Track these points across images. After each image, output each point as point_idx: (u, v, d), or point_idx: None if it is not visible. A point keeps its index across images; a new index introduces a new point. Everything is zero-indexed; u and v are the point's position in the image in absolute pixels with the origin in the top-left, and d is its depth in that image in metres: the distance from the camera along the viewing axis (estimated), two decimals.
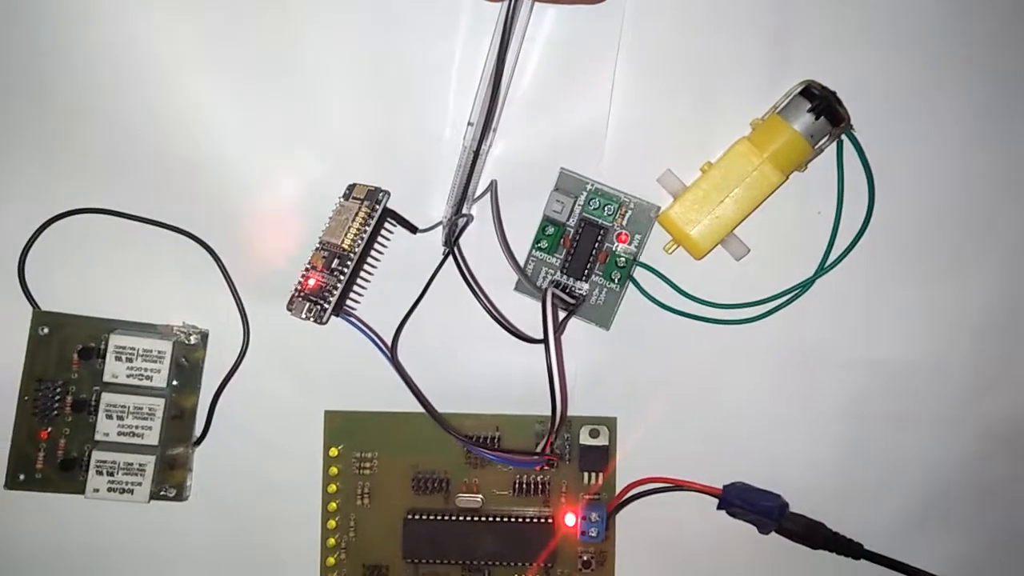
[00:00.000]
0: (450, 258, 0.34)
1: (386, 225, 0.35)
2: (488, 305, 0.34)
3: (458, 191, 0.34)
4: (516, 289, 0.36)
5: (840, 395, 0.37)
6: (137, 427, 0.35)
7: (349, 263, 0.34)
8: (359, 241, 0.34)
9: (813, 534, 0.36)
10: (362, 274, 0.35)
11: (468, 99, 0.34)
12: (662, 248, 0.35)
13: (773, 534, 0.36)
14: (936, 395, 0.37)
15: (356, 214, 0.34)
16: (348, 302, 0.35)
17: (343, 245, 0.34)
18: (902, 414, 0.37)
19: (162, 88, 0.35)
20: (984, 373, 0.37)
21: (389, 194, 0.35)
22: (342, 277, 0.34)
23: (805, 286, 0.36)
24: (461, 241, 0.35)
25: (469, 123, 0.33)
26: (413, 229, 0.35)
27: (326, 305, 0.34)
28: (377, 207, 0.34)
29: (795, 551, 0.36)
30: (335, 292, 0.34)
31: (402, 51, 0.35)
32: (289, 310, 0.34)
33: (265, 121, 0.36)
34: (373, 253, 0.35)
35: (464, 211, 0.34)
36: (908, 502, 0.37)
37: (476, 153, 0.33)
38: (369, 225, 0.34)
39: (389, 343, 0.36)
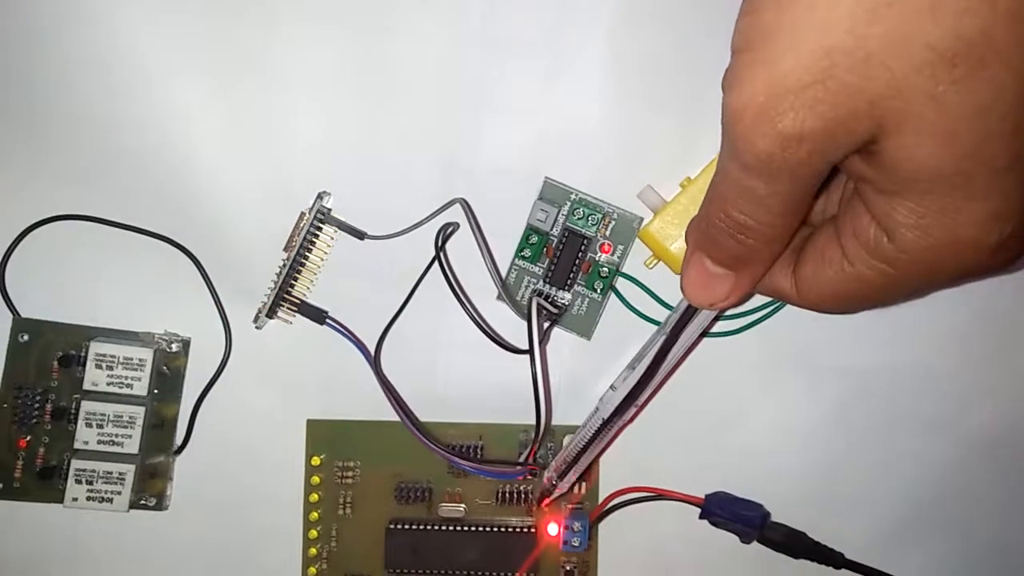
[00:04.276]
0: (435, 266, 0.34)
1: (324, 229, 0.35)
2: (473, 314, 0.34)
3: (572, 456, 0.33)
4: (498, 299, 0.36)
5: (821, 405, 0.37)
6: (117, 436, 0.35)
7: (283, 267, 0.35)
8: (292, 244, 0.35)
9: (795, 543, 0.36)
10: (300, 276, 0.35)
11: (457, 108, 0.35)
12: (643, 263, 0.35)
13: (755, 543, 0.36)
14: (918, 404, 0.37)
15: (301, 218, 0.35)
16: (286, 305, 0.35)
17: (285, 249, 0.35)
18: (884, 423, 0.37)
19: (145, 94, 0.35)
20: (966, 382, 0.37)
21: (321, 196, 0.35)
22: (275, 281, 0.35)
23: None
24: (447, 248, 0.35)
25: (612, 387, 0.32)
26: (360, 235, 0.35)
27: (261, 309, 0.35)
28: (307, 213, 0.35)
29: (777, 560, 0.36)
30: (268, 295, 0.35)
31: (390, 61, 0.35)
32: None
33: (249, 127, 0.35)
34: (312, 256, 0.35)
35: (569, 480, 0.33)
36: (890, 511, 0.38)
37: (608, 421, 0.31)
38: (303, 227, 0.35)
39: (373, 351, 0.36)
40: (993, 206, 0.22)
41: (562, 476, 0.33)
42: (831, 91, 0.20)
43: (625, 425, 0.33)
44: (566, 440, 0.34)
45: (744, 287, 0.27)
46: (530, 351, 0.33)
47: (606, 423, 0.32)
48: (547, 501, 0.35)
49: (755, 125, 0.21)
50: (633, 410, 0.31)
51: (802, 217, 0.25)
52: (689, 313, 0.30)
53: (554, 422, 0.36)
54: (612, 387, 0.32)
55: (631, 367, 0.32)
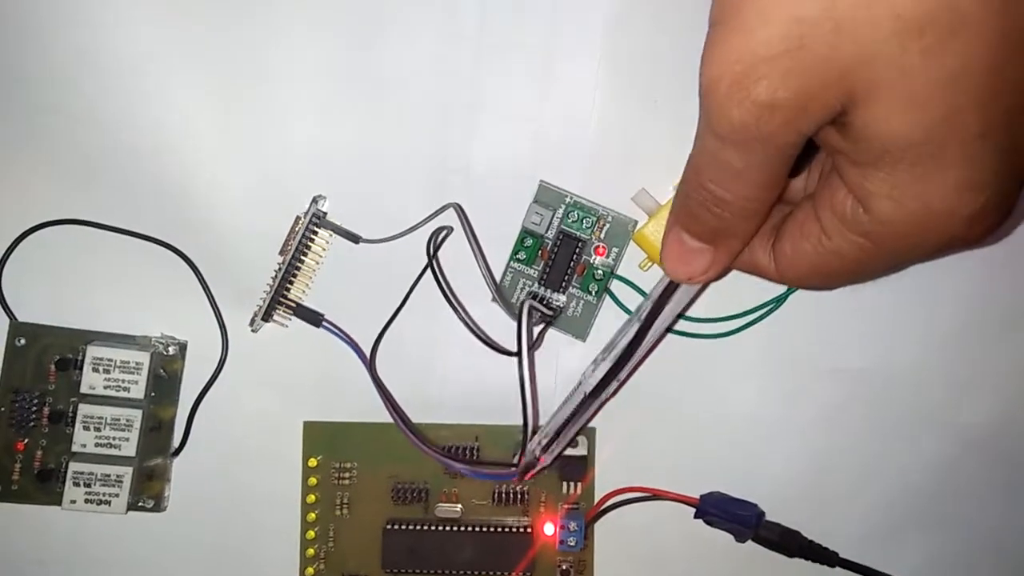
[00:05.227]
0: (429, 270, 0.34)
1: (320, 233, 0.35)
2: (464, 317, 0.35)
3: (554, 430, 0.33)
4: (493, 301, 0.36)
5: (815, 405, 0.37)
6: (114, 438, 0.35)
7: (279, 270, 0.35)
8: (288, 248, 0.35)
9: (789, 542, 0.36)
10: (296, 280, 0.36)
11: (452, 112, 0.35)
12: (637, 266, 0.36)
13: (750, 542, 0.36)
14: (912, 402, 0.37)
15: (296, 221, 0.35)
16: (282, 308, 0.36)
17: (281, 253, 0.35)
18: (877, 423, 0.37)
19: (142, 98, 0.35)
20: (957, 380, 0.37)
21: (316, 200, 0.35)
22: (271, 284, 0.35)
23: (780, 300, 0.36)
24: (440, 253, 0.35)
25: (594, 361, 0.33)
26: (355, 239, 0.36)
27: (256, 312, 0.35)
28: (303, 217, 0.35)
29: (771, 559, 0.36)
30: (263, 299, 0.35)
31: (385, 65, 0.35)
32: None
33: (245, 131, 0.35)
34: (308, 260, 0.36)
35: (552, 453, 0.34)
36: (884, 510, 0.38)
37: (590, 396, 0.32)
38: (299, 231, 0.35)
39: (369, 353, 0.36)
40: (966, 175, 0.22)
41: (545, 449, 0.34)
42: (802, 61, 0.20)
43: (607, 399, 0.33)
44: (551, 417, 0.34)
45: (722, 261, 0.27)
46: (518, 353, 0.33)
47: (588, 397, 0.32)
48: (531, 474, 0.35)
49: (729, 94, 0.21)
50: (615, 385, 0.32)
51: (778, 192, 0.24)
52: (671, 288, 0.30)
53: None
54: (595, 361, 0.32)
55: (612, 344, 0.32)
